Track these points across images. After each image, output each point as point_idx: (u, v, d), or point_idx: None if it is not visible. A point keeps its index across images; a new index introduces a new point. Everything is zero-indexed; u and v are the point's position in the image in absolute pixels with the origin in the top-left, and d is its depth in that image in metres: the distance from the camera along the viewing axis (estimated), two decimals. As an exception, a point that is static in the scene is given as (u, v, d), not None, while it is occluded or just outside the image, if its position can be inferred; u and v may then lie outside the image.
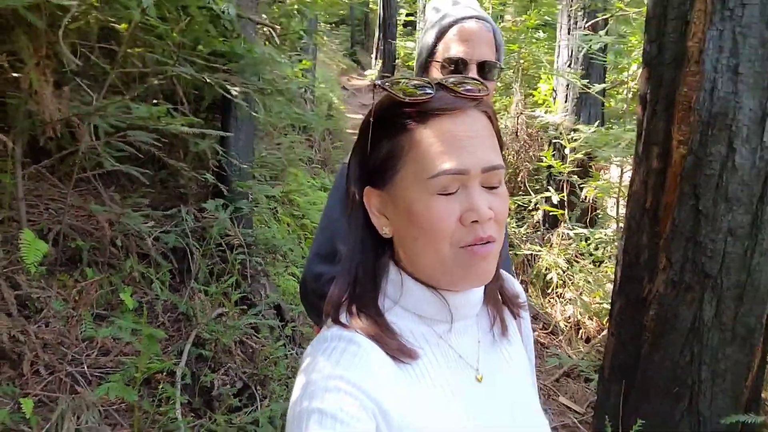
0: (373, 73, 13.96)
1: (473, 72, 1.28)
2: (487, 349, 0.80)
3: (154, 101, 2.87)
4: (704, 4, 1.98)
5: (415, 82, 0.71)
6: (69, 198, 2.46)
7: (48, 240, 2.28)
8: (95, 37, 2.29)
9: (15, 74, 2.15)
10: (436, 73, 1.31)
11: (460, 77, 0.74)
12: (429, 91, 0.70)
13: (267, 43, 3.66)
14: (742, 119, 1.94)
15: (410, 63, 12.63)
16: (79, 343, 2.11)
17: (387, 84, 0.71)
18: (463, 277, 0.71)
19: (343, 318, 0.74)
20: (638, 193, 2.25)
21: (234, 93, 2.74)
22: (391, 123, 0.71)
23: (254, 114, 3.08)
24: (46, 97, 1.93)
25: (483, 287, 0.79)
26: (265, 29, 3.43)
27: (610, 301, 4.55)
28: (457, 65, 1.28)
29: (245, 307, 2.92)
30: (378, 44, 14.17)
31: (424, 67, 1.34)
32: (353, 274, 0.76)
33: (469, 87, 0.72)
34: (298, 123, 5.02)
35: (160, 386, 2.06)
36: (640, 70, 2.23)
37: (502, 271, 0.90)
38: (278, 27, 2.99)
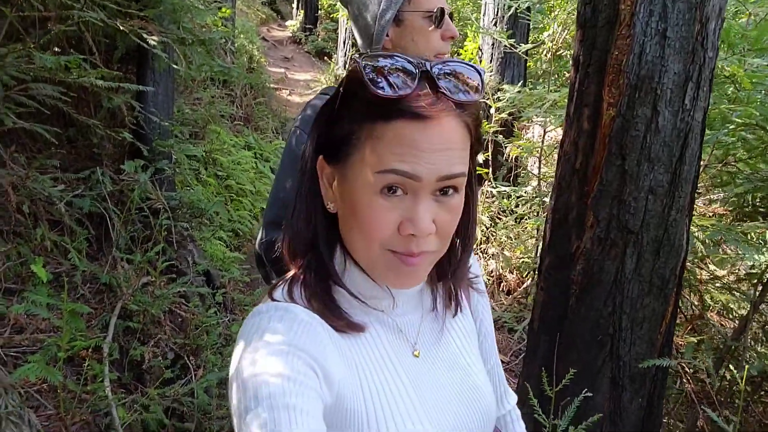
0: (294, 23, 13.38)
1: (451, 24, 1.28)
2: (429, 325, 0.81)
3: (58, 49, 2.57)
4: (637, -33, 2.02)
5: (402, 64, 0.64)
6: (-38, 160, 2.17)
7: (-60, 208, 2.01)
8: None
9: None
10: (417, 22, 1.27)
11: (459, 61, 0.67)
12: (409, 83, 0.63)
13: (185, -12, 3.36)
14: (667, 82, 2.03)
15: (334, 15, 12.22)
16: (-12, 321, 1.91)
17: (367, 64, 0.64)
18: (387, 279, 0.71)
19: (283, 293, 0.73)
20: (568, 153, 2.33)
21: (152, 42, 2.50)
22: (357, 106, 0.66)
23: (174, 66, 2.84)
24: (-73, 42, 1.65)
25: None
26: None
27: (530, 255, 4.80)
28: (443, 15, 1.26)
29: (173, 275, 2.77)
30: (299, -7, 13.53)
31: (396, 20, 1.29)
32: (304, 244, 0.74)
33: (468, 77, 0.66)
34: (220, 77, 4.73)
35: (86, 364, 1.92)
36: (565, 31, 2.29)
37: None
38: (199, -29, 2.75)
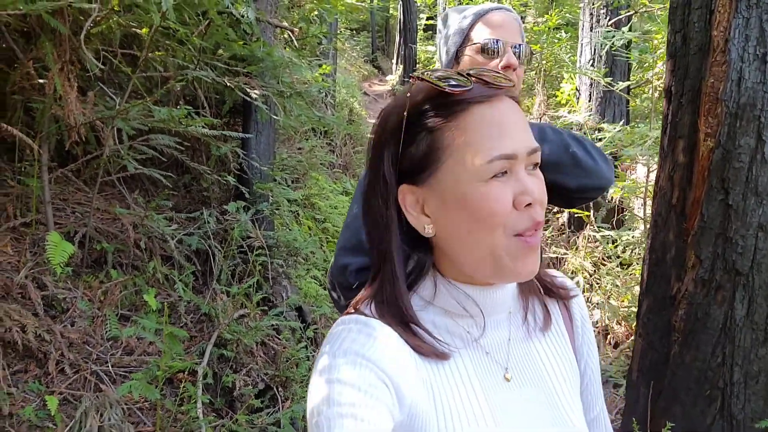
0: (393, 78, 13.97)
1: (508, 54, 1.29)
2: (519, 346, 0.77)
3: (176, 106, 2.91)
4: (730, -8, 1.92)
5: (449, 74, 0.70)
6: (94, 201, 2.51)
7: (74, 242, 2.32)
8: (118, 43, 2.34)
9: (40, 80, 2.21)
10: (472, 56, 1.32)
11: (489, 70, 0.73)
12: (465, 81, 0.69)
13: (287, 47, 3.69)
14: (772, 109, 1.87)
15: (431, 67, 12.60)
16: (104, 342, 2.14)
17: (426, 75, 0.70)
18: (512, 269, 0.69)
19: (366, 311, 0.73)
20: (664, 188, 2.19)
21: (254, 96, 2.76)
22: (431, 116, 0.70)
23: (274, 117, 3.10)
24: (70, 101, 1.97)
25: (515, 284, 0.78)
26: (284, 33, 3.46)
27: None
28: (495, 46, 1.29)
29: (267, 308, 2.93)
30: (399, 49, 14.17)
31: (457, 58, 1.35)
32: (386, 275, 0.74)
33: (498, 77, 0.72)
34: (319, 126, 5.05)
35: (182, 386, 2.08)
36: (666, 63, 2.19)
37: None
38: (297, 30, 3.01)
